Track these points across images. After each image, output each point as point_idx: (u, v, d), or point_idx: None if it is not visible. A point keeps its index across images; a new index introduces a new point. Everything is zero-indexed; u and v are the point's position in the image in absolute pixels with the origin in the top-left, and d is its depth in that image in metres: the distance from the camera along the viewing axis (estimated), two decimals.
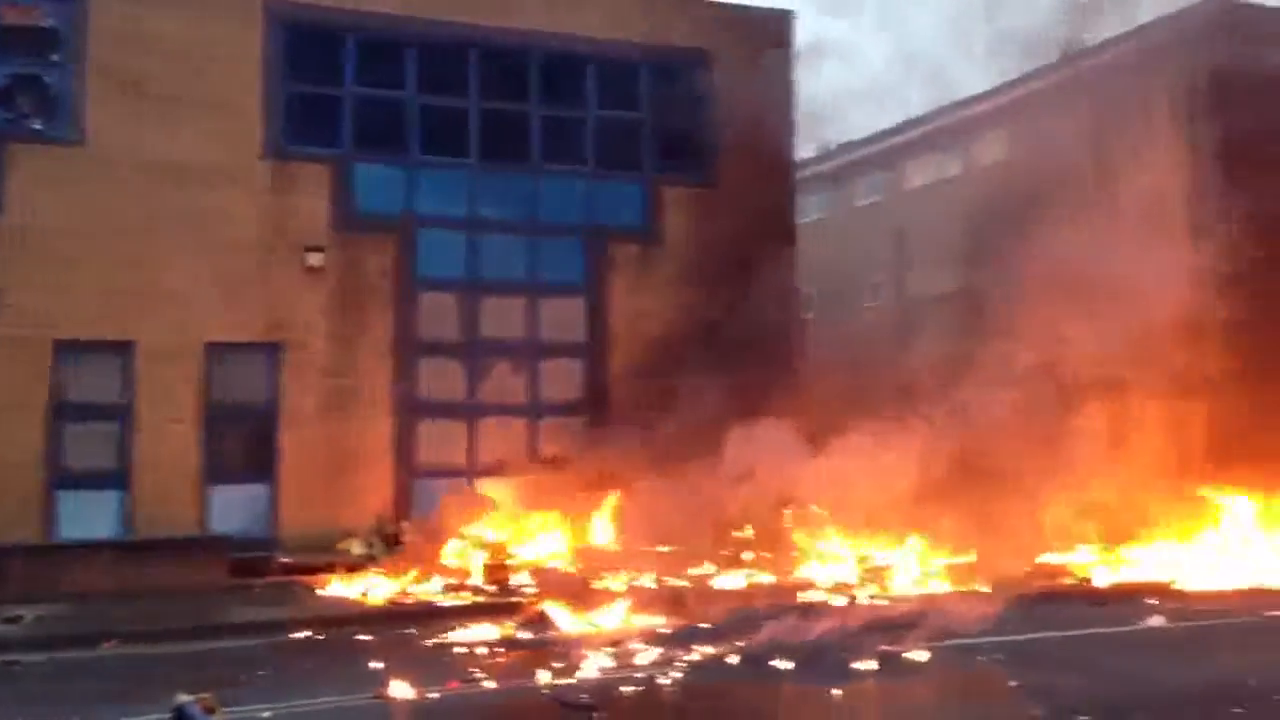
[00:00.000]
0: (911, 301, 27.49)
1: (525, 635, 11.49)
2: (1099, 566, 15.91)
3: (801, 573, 15.32)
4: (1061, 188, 21.23)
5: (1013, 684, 8.73)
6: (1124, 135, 19.79)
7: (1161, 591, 14.05)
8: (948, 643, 10.37)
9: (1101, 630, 11.42)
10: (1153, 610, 12.40)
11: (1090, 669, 9.54)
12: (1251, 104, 17.53)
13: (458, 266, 18.15)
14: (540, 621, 12.04)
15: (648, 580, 14.57)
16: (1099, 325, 17.22)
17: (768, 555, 15.76)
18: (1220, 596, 13.67)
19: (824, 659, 9.56)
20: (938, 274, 26.55)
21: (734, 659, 9.83)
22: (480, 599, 13.96)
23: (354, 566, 15.51)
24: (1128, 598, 13.58)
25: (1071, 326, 17.63)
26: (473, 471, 17.78)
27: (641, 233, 19.20)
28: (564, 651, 10.20)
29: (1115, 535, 17.38)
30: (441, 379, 17.92)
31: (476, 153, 18.41)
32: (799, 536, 16.30)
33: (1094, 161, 21.09)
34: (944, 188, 27.35)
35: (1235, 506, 18.07)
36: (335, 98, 17.75)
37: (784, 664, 9.38)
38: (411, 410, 17.63)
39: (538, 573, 15.20)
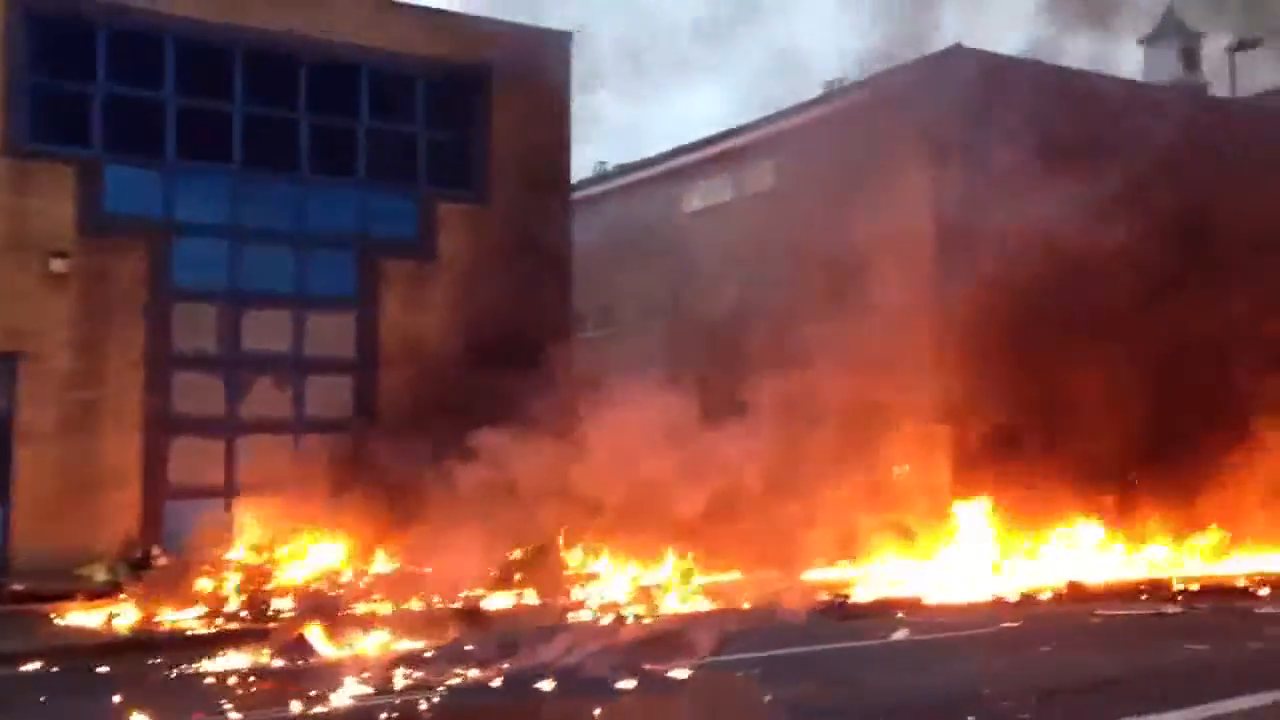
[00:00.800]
0: (687, 323, 28.06)
1: (280, 663, 11.02)
2: (857, 583, 16.57)
3: (572, 593, 15.33)
4: (824, 219, 22.20)
5: (767, 699, 8.94)
6: (881, 171, 20.84)
7: (911, 606, 14.75)
8: (709, 660, 10.56)
9: (854, 644, 11.86)
10: (901, 624, 12.99)
11: (841, 682, 9.88)
12: (995, 146, 18.75)
13: (218, 276, 17.38)
14: (298, 648, 11.56)
15: (414, 603, 14.25)
16: (854, 352, 18.07)
17: (538, 576, 15.69)
18: (962, 610, 14.47)
19: (586, 679, 9.55)
20: (711, 297, 27.24)
21: (497, 682, 9.69)
22: (235, 626, 13.31)
23: (97, 594, 14.53)
24: (880, 613, 14.19)
25: (829, 352, 18.44)
26: (231, 492, 17.01)
27: (416, 248, 18.89)
28: (320, 679, 9.81)
29: (874, 552, 18.21)
30: (198, 394, 17.09)
31: (240, 158, 17.71)
32: (570, 556, 16.32)
33: (853, 195, 22.13)
34: (718, 213, 28.10)
35: (979, 525, 19.26)
36: (85, 94, 16.72)
37: (546, 685, 9.31)
38: (164, 427, 16.73)
39: (299, 597, 14.63)
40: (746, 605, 14.50)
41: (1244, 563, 19.26)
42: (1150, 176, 18.41)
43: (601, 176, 31.51)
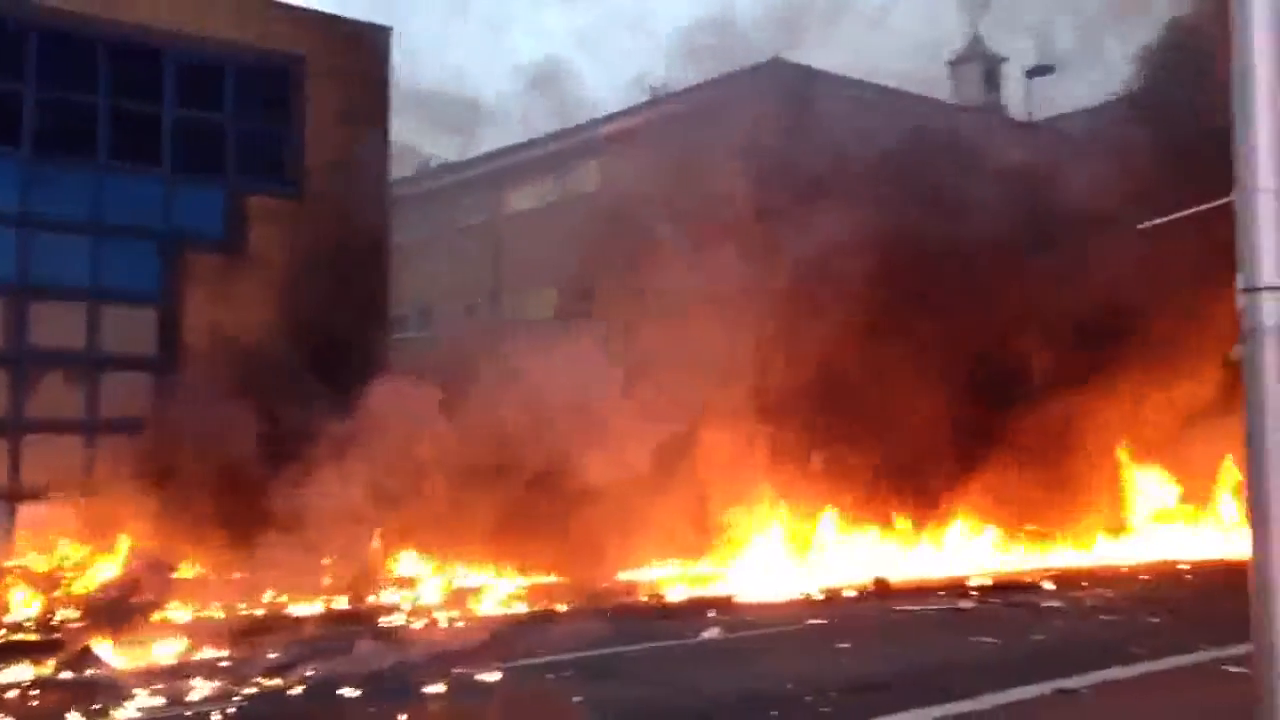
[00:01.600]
0: (508, 324, 27.92)
1: (67, 675, 10.42)
2: (673, 583, 16.75)
3: (384, 597, 15.02)
4: (648, 222, 22.40)
5: (577, 699, 8.93)
6: (701, 178, 21.18)
7: (723, 605, 15.00)
8: (521, 663, 10.50)
9: (667, 643, 11.96)
10: (713, 622, 13.18)
11: (651, 681, 9.96)
12: (806, 158, 19.29)
13: (4, 267, 16.33)
14: (86, 659, 10.96)
15: (216, 609, 13.70)
16: (674, 353, 18.28)
17: (349, 579, 15.30)
18: (772, 608, 14.79)
19: (393, 685, 9.36)
20: (535, 297, 27.20)
21: (298, 690, 9.39)
22: (19, 637, 12.53)
23: None
24: (693, 611, 14.38)
25: (651, 353, 18.61)
26: (16, 495, 16.00)
27: (224, 242, 18.17)
28: (108, 691, 9.32)
29: (691, 551, 18.45)
30: None
31: (30, 143, 16.68)
32: (382, 560, 15.99)
33: (676, 200, 22.40)
34: (541, 214, 28.07)
35: (789, 523, 19.76)
36: None
37: (351, 692, 9.08)
38: None
39: (90, 606, 13.87)
40: (563, 607, 14.50)
41: (1035, 558, 20.36)
42: (947, 183, 19.19)
43: (426, 174, 31.04)
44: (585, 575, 16.13)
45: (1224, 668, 8.92)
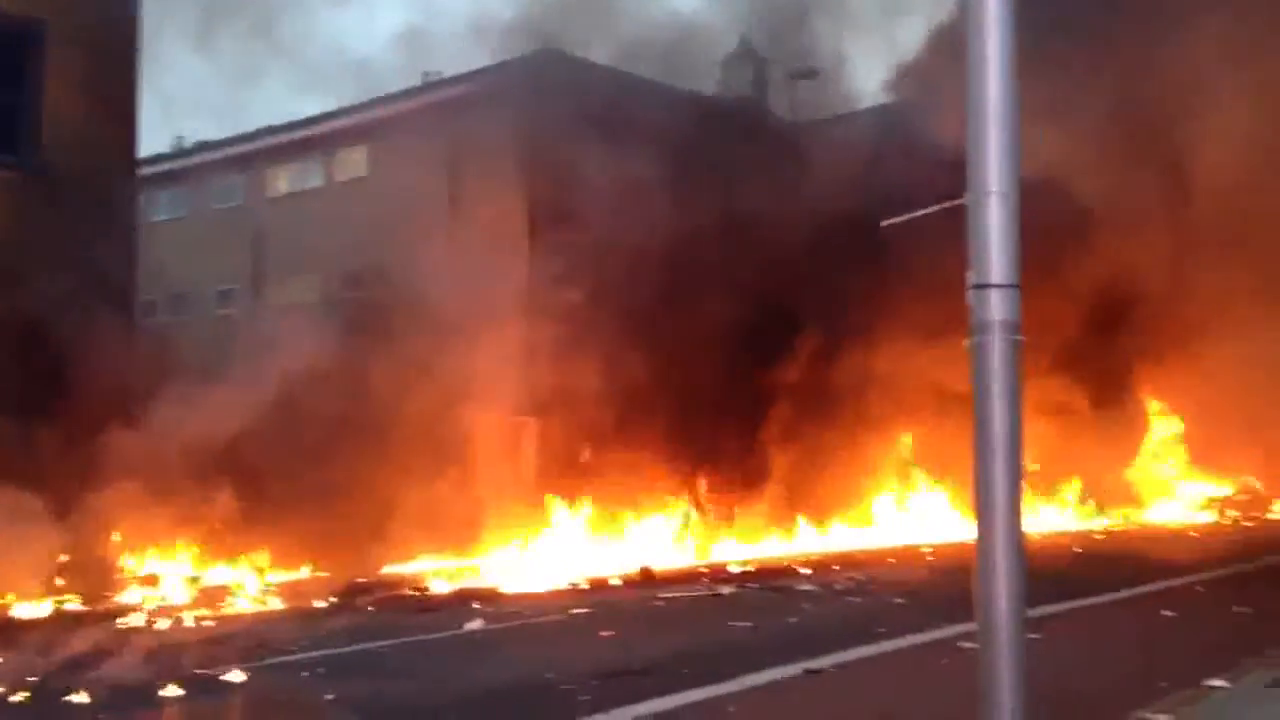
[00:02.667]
0: (269, 310, 26.84)
1: None
2: (437, 576, 16.50)
3: (124, 597, 14.16)
4: (419, 210, 22.01)
5: (329, 697, 8.65)
6: (474, 167, 20.97)
7: (488, 596, 14.88)
8: (271, 661, 10.10)
9: (428, 637, 11.75)
10: (476, 614, 13.06)
11: (410, 675, 9.76)
12: (576, 152, 19.33)
13: None
14: None
15: None
16: (445, 345, 18.01)
17: (84, 579, 14.34)
18: (537, 598, 14.80)
19: (127, 689, 8.80)
20: (298, 284, 26.23)
21: (19, 697, 8.70)
22: None
23: None
24: (457, 604, 14.21)
25: (420, 344, 18.26)
26: None
27: None
28: None
29: (461, 545, 18.23)
30: None
31: None
32: (124, 557, 15.08)
33: (448, 189, 22.11)
34: (305, 198, 27.11)
35: (560, 515, 19.85)
36: None
37: (79, 698, 8.48)
38: None
39: None
40: (320, 603, 14.05)
41: (793, 544, 21.18)
42: (724, 180, 19.65)
43: (180, 152, 29.43)
44: (344, 569, 15.69)
45: (958, 644, 9.45)
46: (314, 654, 10.41)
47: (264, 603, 14.33)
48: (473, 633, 12.06)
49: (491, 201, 20.80)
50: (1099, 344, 23.99)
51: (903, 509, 24.80)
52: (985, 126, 4.57)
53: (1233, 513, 28.40)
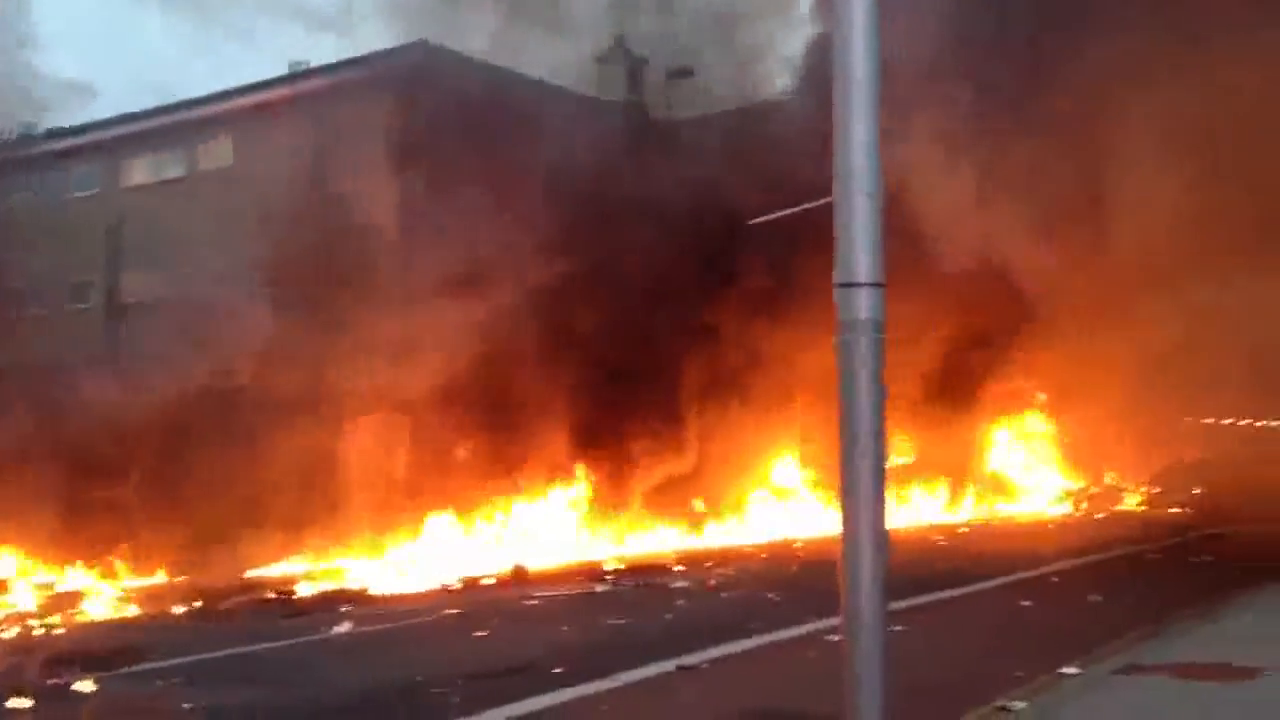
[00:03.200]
0: (126, 305, 25.88)
1: None
2: (304, 578, 16.09)
3: None
4: (288, 201, 21.42)
5: (186, 706, 8.35)
6: (344, 158, 20.51)
7: (358, 599, 14.57)
8: (126, 670, 9.71)
9: (294, 641, 11.45)
10: (346, 617, 12.78)
11: (273, 681, 9.49)
12: (453, 144, 19.09)
13: None
14: None
15: None
16: (309, 340, 17.60)
17: None
18: (408, 599, 14.56)
19: None
20: (158, 278, 25.32)
21: None
22: None
23: None
24: (326, 606, 13.87)
25: (285, 340, 17.81)
26: None
27: None
28: None
29: (330, 546, 17.82)
30: None
31: None
32: None
33: (317, 180, 21.59)
34: (168, 188, 26.17)
35: (432, 514, 19.54)
36: None
37: None
38: None
39: None
40: (179, 608, 13.58)
41: (669, 541, 21.27)
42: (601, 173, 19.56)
43: (29, 140, 28.02)
44: (205, 573, 15.20)
45: (827, 637, 9.59)
46: (171, 662, 10.05)
47: (120, 608, 13.80)
48: (342, 636, 11.80)
49: (361, 193, 20.40)
50: (967, 346, 24.70)
51: (779, 504, 25.16)
52: (851, 128, 4.63)
53: (1085, 505, 29.58)
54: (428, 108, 19.56)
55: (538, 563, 17.62)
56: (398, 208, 20.51)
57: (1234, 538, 20.75)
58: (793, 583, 15.02)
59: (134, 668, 9.80)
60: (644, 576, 16.29)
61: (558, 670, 9.22)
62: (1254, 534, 21.23)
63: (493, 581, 16.25)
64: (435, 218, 18.68)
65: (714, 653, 9.97)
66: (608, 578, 16.25)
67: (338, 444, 18.44)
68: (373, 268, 20.12)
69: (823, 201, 4.66)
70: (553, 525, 20.64)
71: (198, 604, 13.69)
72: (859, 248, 4.65)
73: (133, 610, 13.72)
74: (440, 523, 19.44)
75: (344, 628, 12.12)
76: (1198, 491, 28.46)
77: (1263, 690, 7.67)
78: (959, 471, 28.43)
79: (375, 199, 20.17)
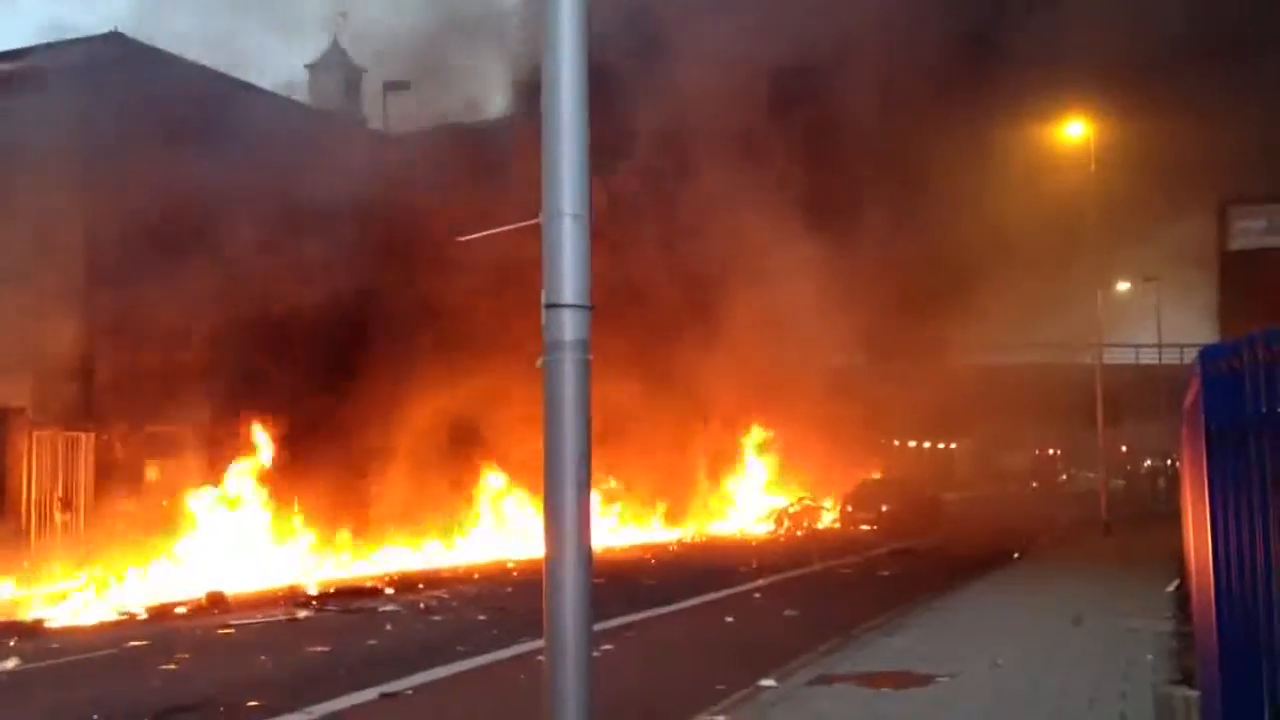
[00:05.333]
0: None
1: None
2: None
3: None
4: None
5: None
6: (18, 153, 18.97)
7: (28, 630, 13.32)
8: None
9: None
10: (11, 652, 11.63)
11: None
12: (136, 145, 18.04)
13: None
14: None
15: None
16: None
17: None
18: (87, 631, 13.47)
19: None
20: None
21: None
22: None
23: None
24: None
25: None
26: None
27: None
28: None
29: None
30: None
31: None
32: None
33: None
34: None
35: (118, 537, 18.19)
36: None
37: None
38: None
39: None
40: None
41: (377, 563, 20.69)
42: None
43: None
44: None
45: (538, 658, 9.51)
46: None
47: None
48: (5, 673, 10.72)
49: (39, 188, 18.93)
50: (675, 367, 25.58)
51: (494, 524, 25.03)
52: (559, 149, 4.62)
53: (788, 523, 31.10)
54: (118, 103, 18.36)
55: (236, 588, 16.69)
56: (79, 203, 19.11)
57: (917, 552, 22.34)
58: (505, 604, 14.94)
59: None
60: (350, 600, 15.76)
61: (253, 704, 8.73)
62: (935, 549, 22.96)
63: (185, 610, 15.26)
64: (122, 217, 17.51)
65: (421, 678, 9.75)
66: (312, 603, 15.59)
67: (11, 462, 16.93)
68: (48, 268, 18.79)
69: (530, 223, 4.62)
70: (253, 546, 19.64)
71: None
72: (566, 268, 4.63)
73: None
74: (126, 547, 18.10)
75: (10, 664, 11.02)
76: (885, 509, 30.42)
77: (936, 695, 8.24)
78: (670, 492, 29.30)
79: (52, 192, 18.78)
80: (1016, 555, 20.40)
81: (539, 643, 9.98)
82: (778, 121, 22.51)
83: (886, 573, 18.59)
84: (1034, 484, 68.43)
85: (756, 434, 32.17)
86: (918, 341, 30.99)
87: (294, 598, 16.06)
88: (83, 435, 19.23)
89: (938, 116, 23.21)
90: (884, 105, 21.93)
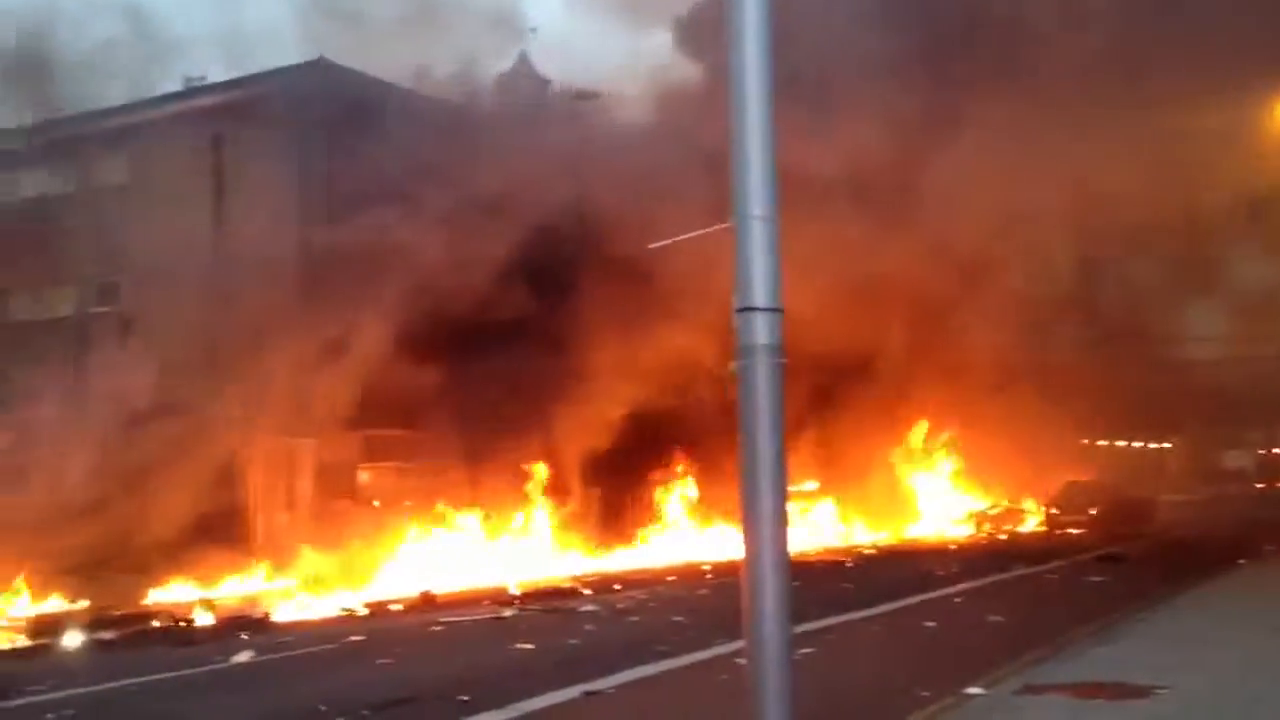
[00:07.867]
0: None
1: None
2: (202, 605, 15.66)
3: None
4: (182, 219, 21.02)
5: None
6: (242, 172, 20.18)
7: (258, 625, 14.23)
8: (13, 703, 9.34)
9: (190, 672, 11.11)
10: (245, 646, 12.45)
11: (169, 713, 9.22)
12: (356, 154, 18.92)
13: None
14: None
15: None
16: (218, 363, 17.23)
17: None
18: (311, 626, 14.28)
19: None
20: (52, 295, 24.62)
21: None
22: None
23: None
24: (225, 635, 13.54)
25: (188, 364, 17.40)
26: None
27: None
28: None
29: (231, 572, 17.42)
30: None
31: None
32: None
33: (215, 198, 21.23)
34: (58, 203, 25.24)
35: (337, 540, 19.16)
36: None
37: None
38: None
39: None
40: (73, 637, 13.11)
41: (577, 564, 21.15)
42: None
43: None
44: (100, 600, 14.73)
45: (736, 660, 9.56)
46: (63, 693, 9.69)
47: (9, 638, 13.30)
48: (241, 665, 11.49)
49: (260, 210, 20.09)
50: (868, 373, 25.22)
51: (689, 526, 25.21)
52: (748, 152, 4.64)
53: (988, 526, 30.18)
54: (325, 124, 19.34)
55: (445, 587, 17.38)
56: (297, 222, 20.17)
57: (1129, 557, 21.32)
58: (701, 605, 15.02)
59: (21, 701, 9.44)
60: (551, 601, 16.17)
61: (463, 698, 9.07)
62: (1148, 554, 21.85)
63: (400, 607, 16.00)
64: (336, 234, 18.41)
65: (622, 677, 9.90)
66: (515, 602, 16.08)
67: (242, 468, 18.06)
68: (270, 286, 19.80)
69: (722, 227, 4.66)
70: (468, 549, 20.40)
71: (90, 632, 13.25)
72: (756, 272, 4.63)
73: (20, 640, 13.23)
74: (346, 549, 19.09)
75: (244, 656, 11.81)
76: (1093, 512, 29.14)
77: (1154, 709, 7.85)
78: (864, 495, 28.83)
79: (274, 213, 19.86)
80: (1241, 562, 19.23)
81: (738, 644, 10.07)
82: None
83: (1096, 578, 17.82)
84: (1259, 485, 64.17)
85: (947, 435, 31.28)
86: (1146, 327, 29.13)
87: (499, 597, 16.60)
88: (304, 440, 20.32)
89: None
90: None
